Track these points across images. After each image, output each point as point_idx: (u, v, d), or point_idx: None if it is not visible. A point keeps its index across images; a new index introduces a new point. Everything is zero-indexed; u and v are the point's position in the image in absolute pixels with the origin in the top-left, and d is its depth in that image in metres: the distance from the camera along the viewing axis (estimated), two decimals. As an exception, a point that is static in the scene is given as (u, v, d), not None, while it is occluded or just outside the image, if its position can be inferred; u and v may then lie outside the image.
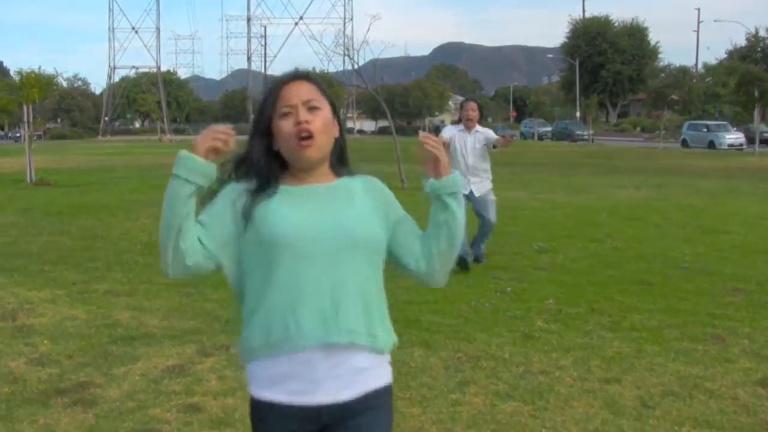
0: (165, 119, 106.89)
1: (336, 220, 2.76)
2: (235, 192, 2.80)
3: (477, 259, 11.28)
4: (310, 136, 2.76)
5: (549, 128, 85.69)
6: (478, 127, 11.30)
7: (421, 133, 2.93)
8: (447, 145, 10.69)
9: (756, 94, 52.17)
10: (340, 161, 2.97)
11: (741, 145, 56.51)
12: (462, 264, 10.42)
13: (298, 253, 2.69)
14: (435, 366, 6.74)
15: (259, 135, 2.87)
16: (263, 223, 2.73)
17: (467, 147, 11.15)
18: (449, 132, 11.43)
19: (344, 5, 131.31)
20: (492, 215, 11.22)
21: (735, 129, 60.52)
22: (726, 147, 56.09)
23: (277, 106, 2.83)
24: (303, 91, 2.84)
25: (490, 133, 11.34)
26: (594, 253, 12.19)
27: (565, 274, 10.60)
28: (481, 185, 11.15)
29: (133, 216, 16.90)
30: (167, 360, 6.90)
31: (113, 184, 25.63)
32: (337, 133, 2.91)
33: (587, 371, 6.61)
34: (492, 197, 11.32)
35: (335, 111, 2.91)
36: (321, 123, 2.81)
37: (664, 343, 7.42)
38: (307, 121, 2.77)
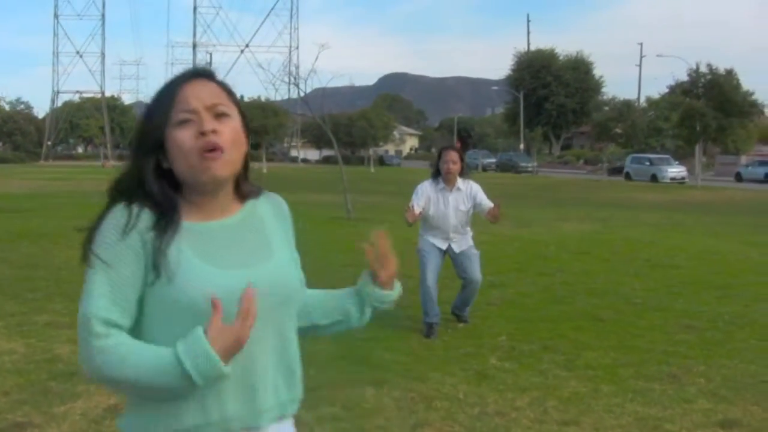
0: (108, 145, 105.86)
1: (260, 273, 2.23)
2: (136, 234, 2.16)
3: (461, 320, 9.81)
4: (217, 149, 2.18)
5: (493, 159, 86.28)
6: (461, 182, 9.44)
7: (376, 232, 2.42)
8: (419, 215, 9.19)
9: (698, 128, 52.76)
10: (243, 180, 2.39)
11: (683, 178, 57.26)
12: (429, 332, 9.08)
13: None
14: (388, 407, 6.54)
15: (145, 151, 2.23)
16: (182, 283, 2.13)
17: (449, 209, 9.36)
18: (424, 192, 9.38)
19: (290, 34, 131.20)
20: (477, 272, 9.56)
21: (677, 162, 61.29)
22: (668, 180, 56.84)
23: (171, 112, 2.21)
24: (206, 93, 2.24)
25: (480, 195, 9.43)
26: (544, 288, 12.09)
27: (517, 309, 10.47)
28: (463, 240, 9.57)
29: (75, 244, 16.18)
30: (109, 398, 6.60)
31: (55, 210, 25.16)
32: (246, 147, 2.32)
33: (544, 413, 6.45)
34: (476, 251, 9.69)
35: (244, 118, 2.32)
36: (231, 133, 2.22)
37: (620, 382, 7.29)
38: (214, 131, 2.18)
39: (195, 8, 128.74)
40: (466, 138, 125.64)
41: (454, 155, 9.40)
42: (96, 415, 6.26)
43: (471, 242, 9.66)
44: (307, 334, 2.50)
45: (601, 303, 10.91)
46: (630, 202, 34.16)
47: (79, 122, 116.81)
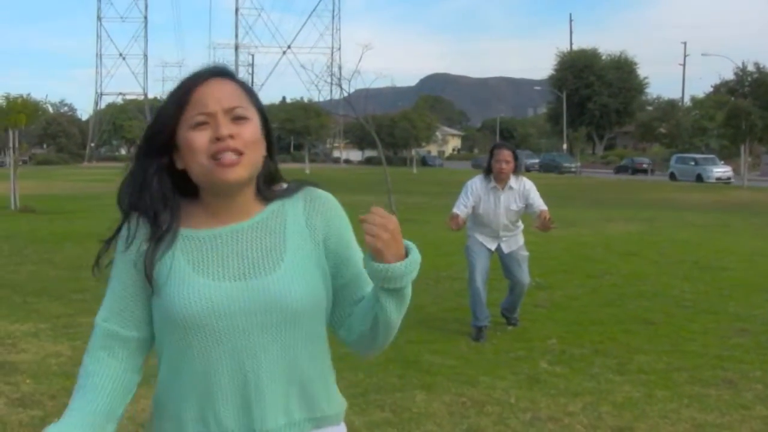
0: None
1: (258, 286, 2.11)
2: (134, 246, 2.17)
3: (510, 322, 9.57)
4: (231, 153, 2.07)
5: (536, 160, 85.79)
6: (513, 181, 9.00)
7: (371, 211, 2.06)
8: (463, 223, 8.88)
9: (744, 127, 52.24)
10: (269, 183, 2.28)
11: (729, 178, 56.65)
12: (477, 336, 8.85)
13: (209, 335, 2.08)
14: (439, 412, 6.42)
15: (153, 152, 2.17)
16: (170, 295, 2.10)
17: (500, 209, 8.95)
18: (474, 191, 8.97)
19: (332, 35, 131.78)
20: (525, 275, 9.27)
21: (722, 162, 60.68)
22: (714, 180, 56.20)
23: (186, 113, 2.11)
24: (225, 94, 2.12)
25: (533, 194, 9.02)
26: (592, 290, 11.92)
27: (565, 311, 10.32)
28: (513, 240, 9.19)
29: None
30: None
31: (99, 212, 25.23)
32: (264, 151, 2.20)
33: (598, 418, 6.30)
34: (525, 252, 9.34)
35: (266, 121, 2.22)
36: (250, 137, 2.11)
37: (675, 387, 7.12)
38: (231, 136, 2.07)
39: (237, 10, 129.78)
40: (508, 138, 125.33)
41: (507, 154, 8.92)
42: (143, 419, 6.18)
43: (521, 242, 9.31)
44: (362, 346, 2.27)
45: (651, 306, 10.72)
46: (675, 203, 33.84)
47: (122, 124, 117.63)
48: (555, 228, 9.05)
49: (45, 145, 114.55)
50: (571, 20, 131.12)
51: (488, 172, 9.03)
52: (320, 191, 2.30)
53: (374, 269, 2.03)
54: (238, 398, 2.11)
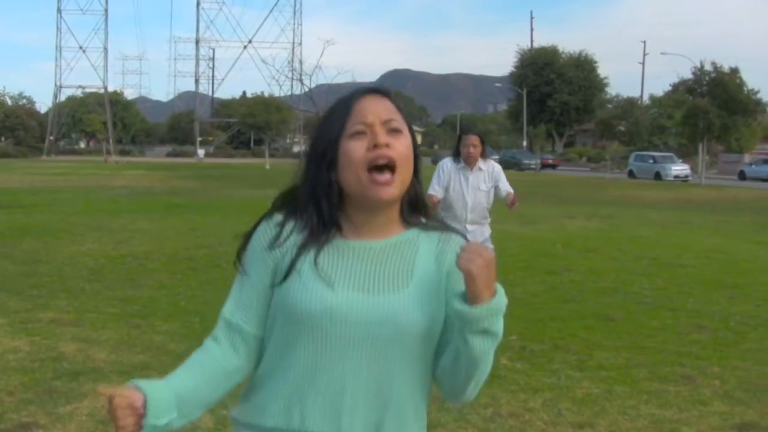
0: (111, 140, 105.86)
1: (379, 301, 2.16)
2: (280, 249, 2.23)
3: None
4: (389, 167, 2.16)
5: (496, 156, 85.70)
6: (482, 163, 9.13)
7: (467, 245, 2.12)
8: (438, 203, 8.92)
9: (702, 126, 52.69)
10: (412, 207, 2.33)
11: (687, 176, 57.13)
12: None
13: (321, 336, 2.15)
14: (400, 407, 6.42)
15: (320, 163, 2.24)
16: (291, 292, 2.18)
17: (468, 188, 9.04)
18: (445, 171, 9.11)
19: (293, 30, 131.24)
20: None
21: (680, 161, 61.17)
22: (672, 178, 56.65)
23: (347, 124, 2.21)
24: (382, 108, 2.23)
25: (502, 176, 9.21)
26: (552, 287, 11.99)
27: (525, 308, 10.34)
28: (479, 231, 9.12)
29: (78, 240, 16.43)
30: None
31: (58, 206, 25.07)
32: (412, 171, 2.27)
33: (558, 414, 6.34)
34: (490, 245, 8.97)
35: (414, 140, 2.29)
36: (404, 149, 2.20)
37: (634, 383, 7.18)
38: (387, 145, 2.16)
39: (198, 3, 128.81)
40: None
41: (474, 139, 9.01)
42: (103, 415, 6.13)
43: (487, 234, 9.30)
44: (446, 383, 2.25)
45: (611, 302, 10.80)
46: (635, 200, 34.08)
47: (82, 117, 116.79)
48: (517, 209, 9.33)
49: (3, 138, 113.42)
50: (532, 18, 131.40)
51: (457, 155, 9.10)
52: (457, 236, 2.37)
53: (467, 312, 2.05)
54: (329, 402, 2.16)
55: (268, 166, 59.34)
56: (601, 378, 7.32)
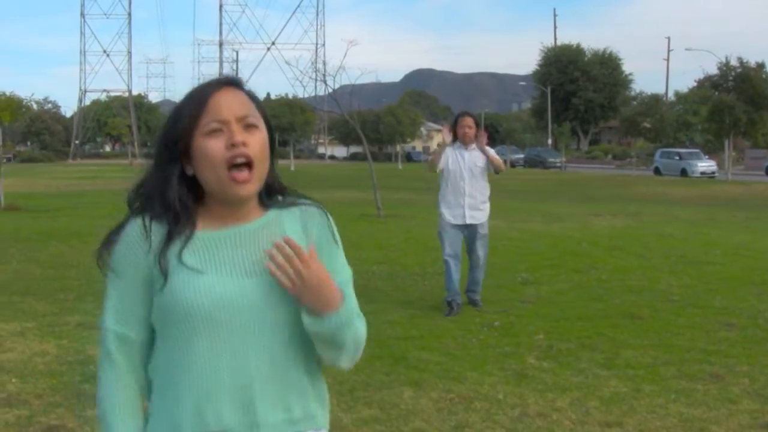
0: (135, 143, 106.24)
1: (266, 283, 2.15)
2: (145, 247, 2.19)
3: (474, 303, 10.26)
4: (247, 164, 2.16)
5: (521, 155, 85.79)
6: (476, 144, 10.06)
7: (272, 247, 2.14)
8: (438, 160, 10.08)
9: (728, 122, 52.35)
10: (270, 191, 2.34)
11: (713, 173, 56.78)
12: (447, 311, 9.80)
13: (217, 328, 2.13)
14: (427, 408, 6.40)
15: (170, 158, 2.22)
16: (175, 290, 2.14)
17: (465, 164, 9.96)
18: (444, 152, 10.10)
19: (316, 31, 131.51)
20: (482, 248, 10.19)
21: (707, 157, 60.82)
22: (698, 175, 56.32)
23: (200, 121, 2.17)
24: (237, 103, 2.20)
25: (492, 151, 10.23)
26: (579, 285, 11.93)
27: (552, 307, 10.31)
28: (478, 213, 10.10)
29: (105, 243, 16.44)
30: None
31: (84, 209, 25.20)
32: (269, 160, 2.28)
33: (586, 413, 6.30)
34: (485, 231, 10.28)
35: (270, 128, 2.31)
36: (260, 147, 2.20)
37: (662, 382, 7.13)
38: (244, 144, 2.15)
39: (221, 6, 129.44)
40: (493, 134, 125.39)
41: (470, 120, 10.14)
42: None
43: (485, 218, 10.24)
44: (330, 361, 2.31)
45: (638, 300, 10.73)
46: (661, 197, 33.90)
47: (107, 121, 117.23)
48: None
49: (29, 143, 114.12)
50: (555, 15, 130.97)
51: (454, 139, 10.14)
52: (312, 206, 2.37)
53: (307, 322, 2.16)
54: (240, 395, 2.15)
55: (293, 168, 59.33)
56: (629, 377, 7.28)
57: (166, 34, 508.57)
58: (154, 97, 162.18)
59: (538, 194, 35.17)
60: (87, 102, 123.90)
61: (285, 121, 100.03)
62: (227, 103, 2.18)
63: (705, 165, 58.06)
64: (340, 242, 2.38)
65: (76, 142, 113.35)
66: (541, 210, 25.89)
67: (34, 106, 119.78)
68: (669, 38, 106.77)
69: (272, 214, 2.30)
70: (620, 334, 8.88)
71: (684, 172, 57.52)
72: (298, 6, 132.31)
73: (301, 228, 2.30)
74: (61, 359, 7.77)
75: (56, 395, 6.68)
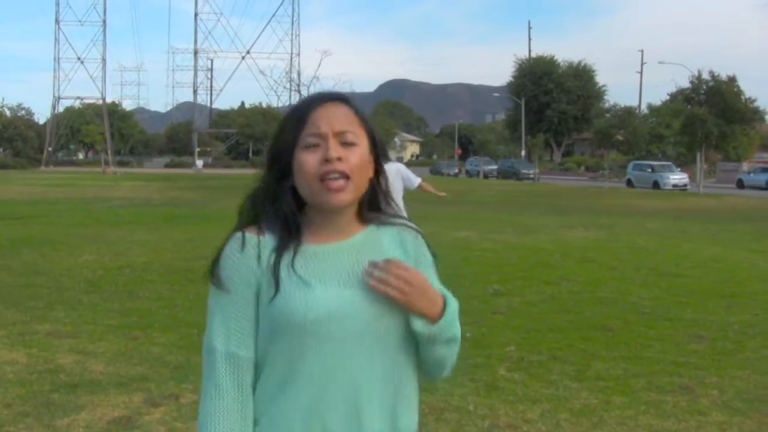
0: (109, 151, 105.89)
1: (371, 296, 2.15)
2: (255, 260, 2.19)
3: None
4: (341, 179, 2.17)
5: (494, 166, 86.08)
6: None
7: (389, 264, 2.15)
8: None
9: (700, 135, 52.68)
10: (372, 207, 2.35)
11: (685, 185, 57.18)
12: None
13: (327, 340, 2.12)
14: (397, 419, 6.40)
15: (279, 171, 2.24)
16: (284, 301, 2.14)
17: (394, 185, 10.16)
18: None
19: (291, 40, 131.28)
20: None
21: (679, 169, 61.23)
22: (670, 187, 56.73)
23: (301, 134, 2.20)
24: (337, 118, 2.21)
25: (406, 171, 11.01)
26: (551, 297, 11.96)
27: (524, 318, 10.33)
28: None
29: (77, 251, 16.41)
30: (113, 410, 6.49)
31: (56, 217, 25.07)
32: (372, 173, 2.29)
33: (556, 425, 6.32)
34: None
35: (375, 145, 2.30)
36: (357, 161, 2.19)
37: (632, 393, 7.16)
38: (339, 159, 2.16)
39: (196, 14, 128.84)
40: (467, 145, 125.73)
41: None
42: (100, 428, 6.14)
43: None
44: (429, 373, 2.37)
45: (609, 312, 10.77)
46: (633, 210, 34.04)
47: (80, 128, 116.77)
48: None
49: (1, 149, 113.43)
50: (529, 27, 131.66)
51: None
52: (409, 226, 2.40)
53: (428, 329, 2.19)
54: (347, 405, 2.15)
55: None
56: (600, 388, 7.30)
57: (141, 41, 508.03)
58: (128, 105, 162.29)
59: (511, 205, 35.25)
60: (60, 109, 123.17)
61: (259, 130, 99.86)
62: (327, 118, 2.20)
63: (677, 178, 58.50)
64: (434, 263, 2.40)
65: (49, 149, 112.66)
66: (514, 221, 25.95)
67: (7, 113, 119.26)
68: (642, 51, 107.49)
69: (371, 229, 2.33)
70: (591, 346, 8.91)
71: (656, 185, 57.96)
72: (273, 15, 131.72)
73: (398, 242, 2.33)
74: (31, 368, 7.71)
75: (25, 404, 6.63)
